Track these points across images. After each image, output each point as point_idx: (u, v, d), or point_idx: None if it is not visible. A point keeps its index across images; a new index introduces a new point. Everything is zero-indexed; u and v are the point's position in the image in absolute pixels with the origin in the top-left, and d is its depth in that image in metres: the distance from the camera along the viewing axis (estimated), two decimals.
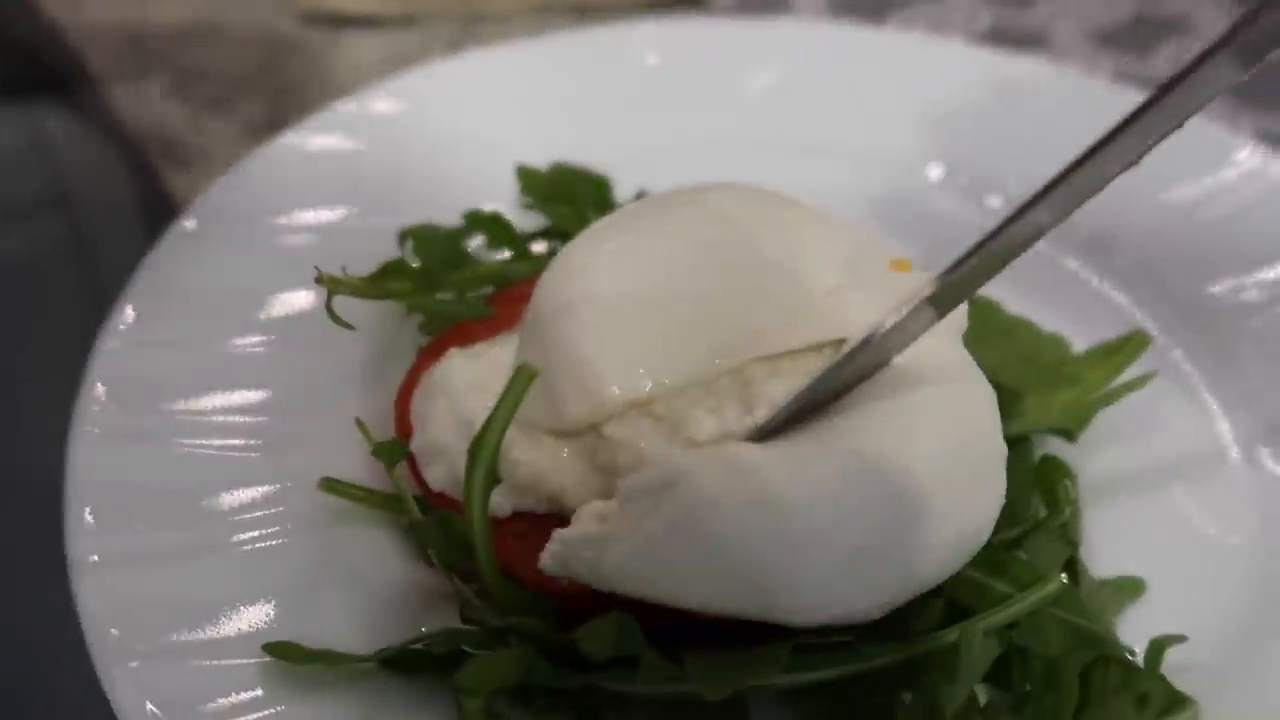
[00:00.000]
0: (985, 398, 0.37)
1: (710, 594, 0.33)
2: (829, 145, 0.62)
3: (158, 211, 0.63)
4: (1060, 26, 0.76)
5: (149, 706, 0.34)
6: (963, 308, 0.39)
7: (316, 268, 0.42)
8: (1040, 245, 0.58)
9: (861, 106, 0.63)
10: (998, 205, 0.60)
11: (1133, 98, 0.64)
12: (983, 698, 0.37)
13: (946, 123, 0.63)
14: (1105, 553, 0.42)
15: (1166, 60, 0.73)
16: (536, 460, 0.37)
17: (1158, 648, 0.36)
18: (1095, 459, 0.45)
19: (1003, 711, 0.35)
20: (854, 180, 0.60)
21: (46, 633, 0.36)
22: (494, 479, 0.33)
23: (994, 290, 0.52)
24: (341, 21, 0.74)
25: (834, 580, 0.33)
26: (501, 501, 0.37)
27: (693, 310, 0.36)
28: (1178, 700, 0.35)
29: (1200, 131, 0.61)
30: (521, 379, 0.32)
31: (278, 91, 0.69)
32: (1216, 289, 0.53)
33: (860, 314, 0.36)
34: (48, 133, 0.73)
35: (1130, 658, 0.37)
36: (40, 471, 0.41)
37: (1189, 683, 0.37)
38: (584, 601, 0.34)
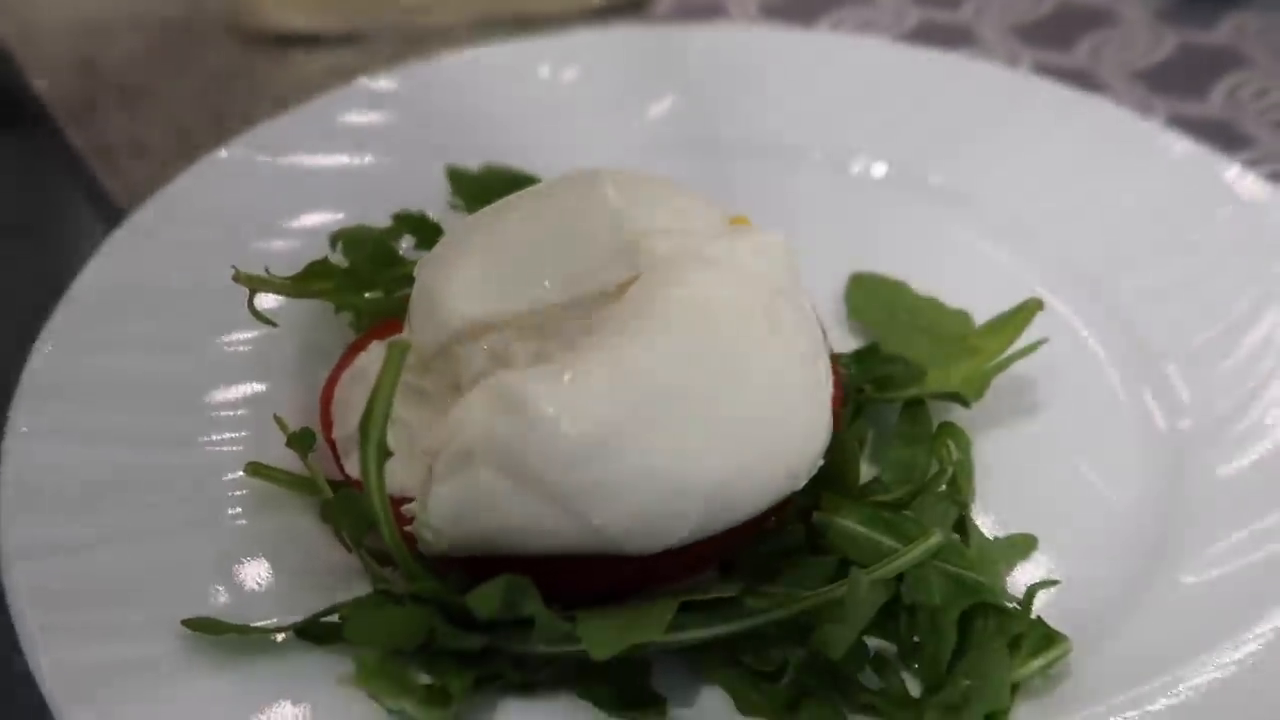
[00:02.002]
0: (793, 316, 0.40)
1: (530, 533, 0.36)
2: (763, 144, 0.64)
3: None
4: (985, 23, 0.78)
5: (71, 686, 0.35)
6: (786, 245, 0.42)
7: (234, 266, 0.44)
8: (957, 231, 0.61)
9: (794, 106, 0.65)
10: (926, 198, 0.62)
11: (1050, 87, 0.67)
12: None
13: (876, 119, 0.64)
14: (1003, 513, 0.44)
15: (1086, 53, 0.76)
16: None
17: (1031, 592, 0.38)
18: (997, 425, 0.47)
19: (889, 660, 0.37)
20: (784, 179, 0.62)
21: None
22: (386, 452, 0.34)
23: (904, 272, 0.55)
24: (285, 41, 0.76)
25: (625, 501, 0.35)
26: (406, 479, 0.39)
27: (534, 257, 0.41)
28: (1050, 639, 0.37)
29: (1112, 117, 0.63)
30: (395, 353, 0.33)
31: (225, 114, 0.71)
32: (1120, 269, 0.55)
33: (666, 248, 0.39)
34: None
35: (1009, 605, 0.38)
36: None
37: (1070, 632, 0.38)
38: (486, 569, 0.36)
